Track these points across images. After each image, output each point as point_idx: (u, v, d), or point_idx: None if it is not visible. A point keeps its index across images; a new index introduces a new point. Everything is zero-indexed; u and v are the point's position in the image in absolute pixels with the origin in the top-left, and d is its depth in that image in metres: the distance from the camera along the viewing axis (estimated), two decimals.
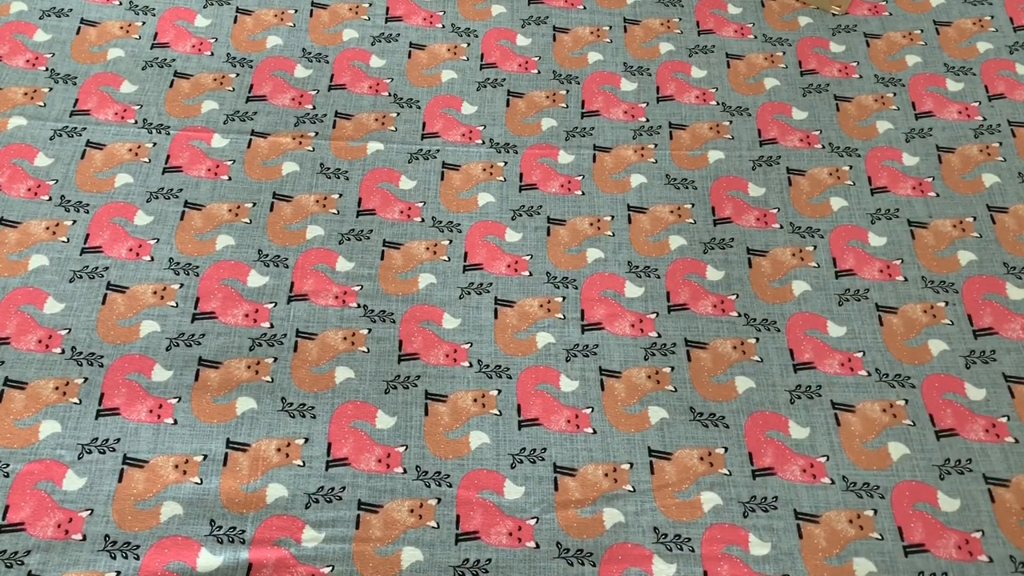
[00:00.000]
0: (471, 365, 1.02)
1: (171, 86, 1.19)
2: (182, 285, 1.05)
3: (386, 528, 0.92)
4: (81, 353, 1.00)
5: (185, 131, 1.16)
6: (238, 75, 1.21)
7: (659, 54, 1.27)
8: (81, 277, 1.05)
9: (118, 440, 0.95)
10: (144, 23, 1.25)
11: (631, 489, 0.95)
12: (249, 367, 1.00)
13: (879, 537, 0.92)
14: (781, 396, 1.00)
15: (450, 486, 0.94)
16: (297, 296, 1.05)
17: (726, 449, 0.97)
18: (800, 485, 0.95)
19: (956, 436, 0.98)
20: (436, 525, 0.92)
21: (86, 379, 0.98)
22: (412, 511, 0.93)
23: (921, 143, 1.19)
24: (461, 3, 1.30)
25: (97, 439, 0.95)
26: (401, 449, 0.96)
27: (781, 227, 1.12)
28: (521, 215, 1.12)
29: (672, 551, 0.91)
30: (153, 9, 1.26)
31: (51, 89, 1.18)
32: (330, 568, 0.89)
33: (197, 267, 1.06)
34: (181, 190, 1.11)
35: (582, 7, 1.31)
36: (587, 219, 1.12)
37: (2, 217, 1.08)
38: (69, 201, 1.10)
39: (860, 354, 1.03)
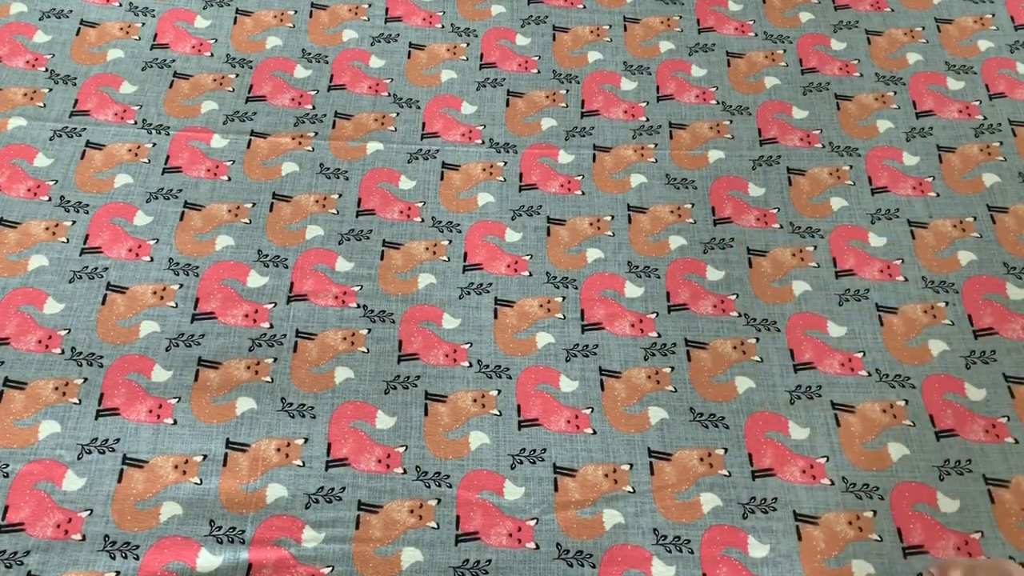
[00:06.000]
0: (471, 365, 1.02)
1: (171, 87, 1.19)
2: (182, 285, 1.05)
3: (386, 528, 0.92)
4: (81, 353, 1.00)
5: (185, 131, 1.16)
6: (238, 75, 1.21)
7: (659, 53, 1.27)
8: (81, 277, 1.05)
9: (118, 440, 0.95)
10: (144, 24, 1.25)
11: (631, 490, 0.95)
12: (249, 367, 1.00)
13: (878, 539, 0.92)
14: (781, 396, 1.00)
15: (450, 487, 0.94)
16: (297, 296, 1.05)
17: (726, 450, 0.97)
18: (800, 486, 0.95)
19: (956, 436, 0.98)
20: (436, 526, 0.92)
21: (86, 379, 0.98)
22: (412, 511, 0.93)
23: (922, 142, 1.18)
24: (461, 3, 1.30)
25: (97, 439, 0.95)
26: (401, 449, 0.96)
27: (781, 227, 1.12)
28: (521, 215, 1.12)
29: (672, 553, 0.91)
30: (153, 10, 1.26)
31: (51, 90, 1.18)
32: (330, 568, 0.89)
33: (197, 267, 1.06)
34: (181, 190, 1.11)
35: (582, 6, 1.30)
36: (587, 219, 1.12)
37: (2, 217, 1.08)
38: (69, 201, 1.10)
39: (860, 354, 1.03)
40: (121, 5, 1.26)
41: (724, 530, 0.92)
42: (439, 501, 0.93)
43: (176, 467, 0.94)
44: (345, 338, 1.03)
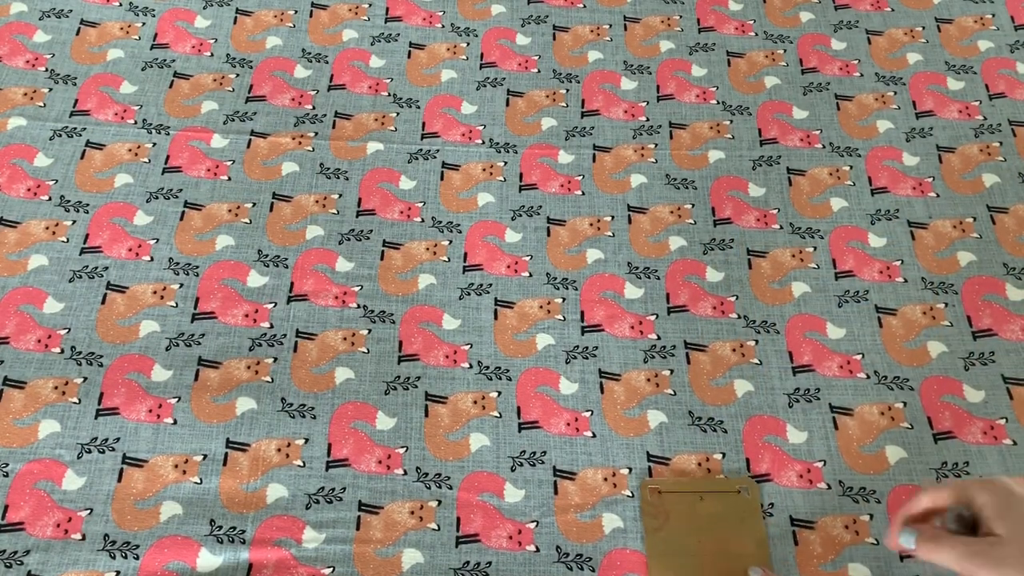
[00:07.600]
0: (471, 366, 1.02)
1: (171, 86, 1.19)
2: (182, 285, 1.05)
3: (387, 530, 0.92)
4: (81, 353, 1.00)
5: (185, 131, 1.16)
6: (238, 75, 1.21)
7: (659, 52, 1.26)
8: (81, 277, 1.05)
9: (117, 440, 0.95)
10: (144, 24, 1.25)
11: (630, 494, 0.95)
12: (249, 367, 1.00)
13: (875, 542, 0.92)
14: (780, 399, 1.00)
15: (450, 488, 0.95)
16: (297, 296, 1.05)
17: (724, 455, 0.97)
18: (796, 491, 0.95)
19: (954, 439, 0.98)
20: (436, 527, 0.92)
21: (85, 379, 0.98)
22: (412, 513, 0.93)
23: (922, 143, 1.18)
24: (461, 3, 1.29)
25: (96, 439, 0.95)
26: (401, 450, 0.97)
27: (781, 228, 1.12)
28: (521, 215, 1.12)
29: None
30: (153, 10, 1.26)
31: (51, 89, 1.18)
32: (331, 569, 0.90)
33: (197, 267, 1.06)
34: (181, 190, 1.11)
35: (582, 6, 1.30)
36: (587, 219, 1.12)
37: (2, 217, 1.08)
38: (69, 201, 1.10)
39: (859, 356, 1.03)
40: (121, 5, 1.26)
41: None
42: (440, 503, 0.94)
43: (176, 467, 0.94)
44: (345, 338, 1.03)
